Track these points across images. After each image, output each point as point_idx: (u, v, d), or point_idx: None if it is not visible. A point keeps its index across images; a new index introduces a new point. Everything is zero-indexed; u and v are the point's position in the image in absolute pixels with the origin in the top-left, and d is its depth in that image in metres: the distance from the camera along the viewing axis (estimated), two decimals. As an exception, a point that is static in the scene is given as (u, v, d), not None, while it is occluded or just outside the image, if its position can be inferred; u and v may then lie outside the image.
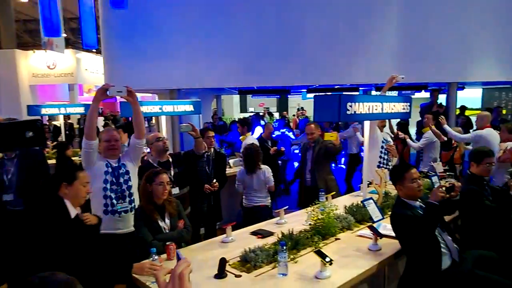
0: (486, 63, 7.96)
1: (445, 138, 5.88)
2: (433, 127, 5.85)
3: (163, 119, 5.84)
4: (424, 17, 7.56)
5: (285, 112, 17.16)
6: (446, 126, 5.79)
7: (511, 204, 3.51)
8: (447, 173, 4.98)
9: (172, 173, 4.04)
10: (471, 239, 3.53)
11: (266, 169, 4.53)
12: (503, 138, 5.11)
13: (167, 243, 2.84)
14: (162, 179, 3.16)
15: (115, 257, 3.00)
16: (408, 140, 6.20)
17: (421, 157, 6.27)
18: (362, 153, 6.79)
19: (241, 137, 6.23)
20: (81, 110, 9.23)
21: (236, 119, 9.37)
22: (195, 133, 4.11)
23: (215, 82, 7.80)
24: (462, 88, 11.23)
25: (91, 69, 15.12)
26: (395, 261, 3.22)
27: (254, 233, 3.39)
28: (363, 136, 6.92)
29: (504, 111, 11.63)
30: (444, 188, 2.90)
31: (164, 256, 2.81)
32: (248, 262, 2.67)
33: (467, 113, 10.48)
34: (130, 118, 5.14)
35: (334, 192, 4.41)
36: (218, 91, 12.71)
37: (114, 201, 3.22)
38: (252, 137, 6.23)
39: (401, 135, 6.20)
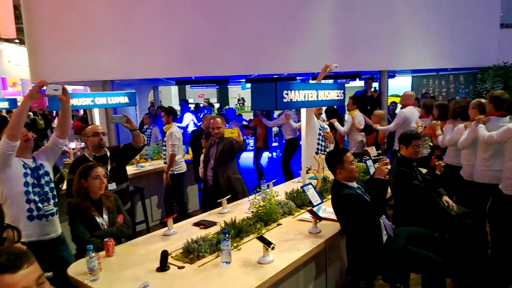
0: (415, 52, 8.48)
1: (361, 127, 6.16)
2: (335, 121, 6.17)
3: (96, 112, 5.56)
4: (356, 7, 7.86)
5: (205, 102, 17.16)
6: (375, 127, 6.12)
7: (438, 183, 3.78)
8: (380, 156, 5.26)
9: (109, 167, 3.88)
10: (403, 216, 3.77)
11: None
12: (422, 115, 5.55)
13: (105, 239, 2.73)
14: (98, 172, 3.03)
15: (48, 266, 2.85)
16: (336, 123, 6.40)
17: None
18: (299, 140, 6.99)
19: (164, 127, 5.82)
20: (5, 105, 8.55)
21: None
22: (131, 125, 3.94)
23: (151, 72, 7.58)
24: (393, 76, 11.86)
25: (15, 61, 14.06)
26: (336, 242, 3.38)
27: (196, 224, 3.37)
28: (295, 122, 7.19)
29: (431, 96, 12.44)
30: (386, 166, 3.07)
31: (102, 253, 2.71)
32: (191, 253, 2.65)
33: (396, 99, 11.11)
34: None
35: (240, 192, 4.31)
36: (154, 82, 12.35)
37: (40, 204, 2.99)
38: (176, 126, 5.80)
39: (334, 121, 6.42)
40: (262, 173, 7.91)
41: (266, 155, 11.23)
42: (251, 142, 10.11)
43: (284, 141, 7.84)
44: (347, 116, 6.34)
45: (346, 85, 13.72)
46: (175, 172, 5.50)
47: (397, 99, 11.40)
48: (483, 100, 4.31)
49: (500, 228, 3.89)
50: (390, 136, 6.84)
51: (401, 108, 6.05)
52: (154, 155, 6.50)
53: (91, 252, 2.36)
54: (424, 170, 4.58)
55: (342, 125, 6.59)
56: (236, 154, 4.45)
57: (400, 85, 17.90)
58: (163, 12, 7.34)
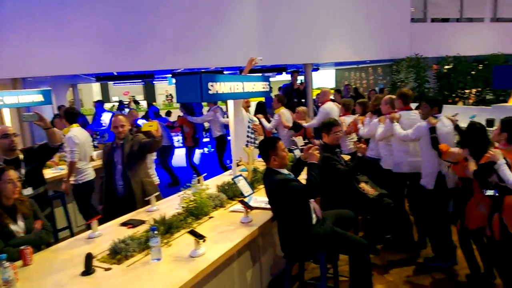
0: (336, 46, 8.89)
1: (289, 125, 6.34)
2: (262, 118, 6.33)
3: (6, 112, 5.08)
4: (281, 2, 8.03)
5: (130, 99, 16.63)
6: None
7: (359, 166, 4.00)
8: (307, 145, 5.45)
9: (23, 171, 3.59)
10: (330, 200, 3.94)
11: None
12: (341, 113, 5.85)
13: (22, 247, 2.52)
14: (10, 176, 2.79)
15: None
16: (263, 120, 6.43)
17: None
18: (229, 136, 7.02)
19: (63, 130, 5.17)
20: None
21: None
22: (44, 123, 3.64)
23: (68, 68, 7.11)
24: (317, 69, 12.34)
25: None
26: (268, 229, 3.44)
27: (124, 224, 3.23)
28: (222, 117, 7.19)
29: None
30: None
31: (19, 262, 2.49)
32: (118, 253, 2.53)
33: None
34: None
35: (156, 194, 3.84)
36: (72, 79, 11.57)
37: None
38: (79, 129, 5.00)
39: (260, 116, 6.51)
40: (198, 171, 7.81)
41: (199, 152, 11.11)
42: (178, 138, 9.92)
43: (214, 139, 7.79)
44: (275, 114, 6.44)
45: (272, 79, 14.07)
46: (80, 182, 4.83)
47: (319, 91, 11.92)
48: (393, 96, 4.67)
49: (419, 211, 4.34)
50: (317, 130, 7.07)
51: (320, 105, 6.33)
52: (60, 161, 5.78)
53: (4, 262, 2.16)
54: (347, 157, 4.82)
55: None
56: (148, 153, 4.06)
57: (324, 78, 18.71)
58: (80, 5, 6.92)
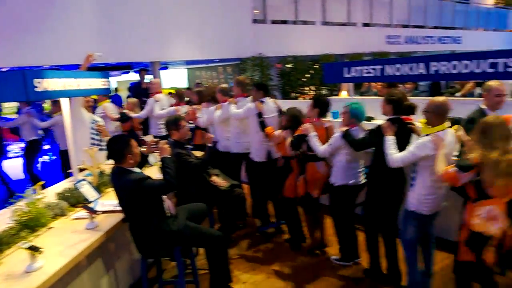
0: (183, 44, 8.93)
1: (115, 116, 6.12)
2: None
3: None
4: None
5: None
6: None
7: (211, 159, 4.12)
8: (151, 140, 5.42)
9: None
10: (184, 194, 3.95)
11: None
12: (176, 103, 6.11)
13: None
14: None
15: None
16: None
17: None
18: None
19: None
20: None
21: None
22: None
23: None
24: (166, 68, 12.21)
25: None
26: (119, 234, 3.30)
27: None
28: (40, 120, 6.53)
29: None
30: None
31: None
32: None
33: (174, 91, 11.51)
34: None
35: None
36: None
37: None
38: None
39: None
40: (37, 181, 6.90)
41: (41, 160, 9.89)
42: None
43: (26, 144, 6.93)
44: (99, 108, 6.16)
45: (118, 78, 13.40)
46: None
47: (174, 91, 11.84)
48: (225, 86, 5.21)
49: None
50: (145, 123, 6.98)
51: (150, 96, 6.36)
52: None
53: None
54: (199, 154, 4.91)
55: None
56: None
57: (177, 77, 18.64)
58: None
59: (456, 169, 2.53)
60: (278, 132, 4.21)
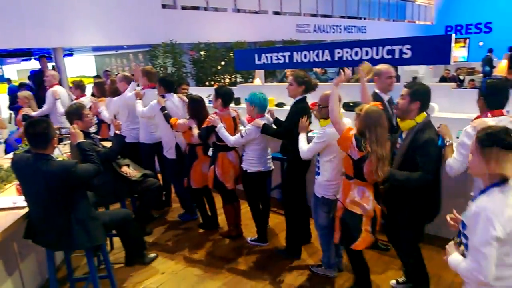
0: (88, 29, 8.37)
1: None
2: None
3: None
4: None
5: None
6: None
7: (120, 148, 3.97)
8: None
9: None
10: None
11: None
12: (76, 95, 5.81)
13: None
14: None
15: None
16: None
17: None
18: None
19: None
20: None
21: None
22: None
23: None
24: (71, 55, 11.41)
25: None
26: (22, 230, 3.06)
27: None
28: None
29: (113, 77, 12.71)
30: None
31: None
32: None
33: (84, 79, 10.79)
34: None
35: None
36: None
37: None
38: None
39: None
40: None
41: None
42: None
43: None
44: None
45: (18, 66, 12.25)
46: None
47: (86, 79, 11.09)
48: (127, 74, 5.14)
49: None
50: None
51: (49, 88, 6.06)
52: None
53: None
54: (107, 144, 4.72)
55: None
56: None
57: (83, 65, 17.52)
58: None
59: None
60: (182, 121, 4.22)
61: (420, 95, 2.73)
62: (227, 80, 11.75)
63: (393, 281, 3.26)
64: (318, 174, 3.21)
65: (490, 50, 14.72)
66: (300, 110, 3.48)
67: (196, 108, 4.19)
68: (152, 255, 3.94)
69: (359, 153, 2.64)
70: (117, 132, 3.92)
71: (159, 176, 5.00)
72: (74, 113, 3.68)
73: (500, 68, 13.50)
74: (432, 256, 3.41)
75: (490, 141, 1.72)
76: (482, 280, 1.66)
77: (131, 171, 4.03)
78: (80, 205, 2.86)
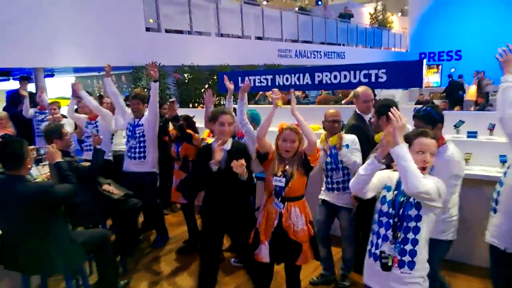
0: (70, 50, 8.32)
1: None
2: None
3: None
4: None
5: None
6: None
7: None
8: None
9: None
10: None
11: None
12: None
13: None
14: None
15: None
16: None
17: None
18: None
19: None
20: None
21: None
22: None
23: None
24: (52, 75, 11.28)
25: None
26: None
27: None
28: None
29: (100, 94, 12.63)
30: None
31: None
32: None
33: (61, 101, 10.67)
34: None
35: None
36: None
37: None
38: None
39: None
40: None
41: None
42: None
43: None
44: None
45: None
46: None
47: (62, 101, 10.95)
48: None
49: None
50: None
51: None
52: None
53: None
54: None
55: None
56: None
57: (65, 86, 17.32)
58: None
59: None
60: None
61: (383, 108, 2.89)
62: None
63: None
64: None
65: (460, 76, 15.46)
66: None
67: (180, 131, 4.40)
68: (123, 282, 3.81)
69: None
70: (97, 146, 3.87)
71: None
72: (54, 132, 3.64)
73: (470, 92, 14.08)
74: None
75: None
76: None
77: (112, 188, 3.97)
78: (57, 226, 2.81)
